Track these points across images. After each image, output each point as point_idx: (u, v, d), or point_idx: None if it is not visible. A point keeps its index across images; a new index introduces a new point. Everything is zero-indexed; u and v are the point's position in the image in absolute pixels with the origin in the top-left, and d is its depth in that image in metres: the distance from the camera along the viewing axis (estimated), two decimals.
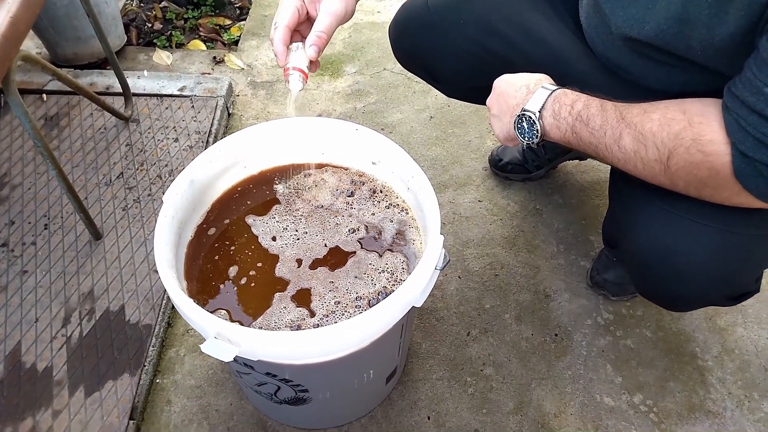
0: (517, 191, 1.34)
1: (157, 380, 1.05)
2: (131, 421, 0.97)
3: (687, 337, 1.12)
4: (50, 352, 1.04)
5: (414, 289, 0.73)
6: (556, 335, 1.12)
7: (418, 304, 0.75)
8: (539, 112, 0.75)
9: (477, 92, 1.08)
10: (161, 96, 1.50)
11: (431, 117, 1.52)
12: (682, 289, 0.74)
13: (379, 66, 1.66)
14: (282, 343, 0.68)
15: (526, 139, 0.78)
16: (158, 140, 1.39)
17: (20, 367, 1.02)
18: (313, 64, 0.82)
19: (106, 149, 1.37)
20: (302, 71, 0.80)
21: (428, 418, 1.01)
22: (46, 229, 1.22)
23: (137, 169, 1.33)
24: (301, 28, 0.83)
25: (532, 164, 1.32)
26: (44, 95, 1.47)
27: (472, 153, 1.43)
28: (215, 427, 1.00)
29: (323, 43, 0.79)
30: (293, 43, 0.81)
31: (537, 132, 0.76)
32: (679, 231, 0.71)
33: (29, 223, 1.22)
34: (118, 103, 1.47)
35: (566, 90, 0.74)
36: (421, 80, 1.16)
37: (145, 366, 1.03)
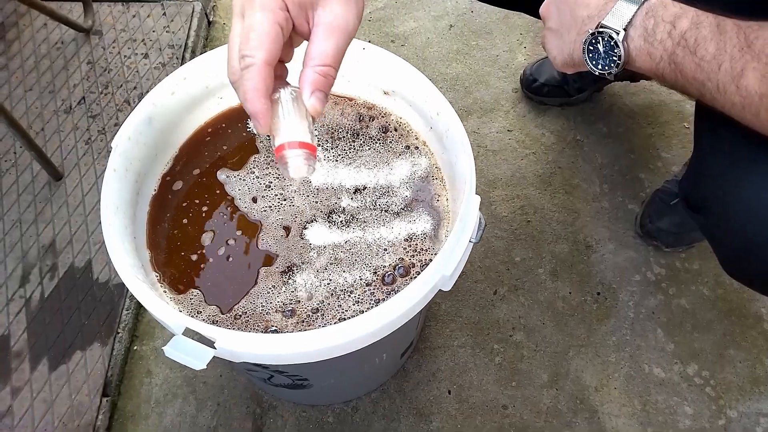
0: (554, 119, 1.13)
1: (135, 347, 0.90)
2: (105, 399, 0.83)
3: (751, 295, 0.95)
4: (6, 317, 0.89)
5: (443, 270, 0.56)
6: (598, 294, 0.95)
7: (447, 288, 0.58)
8: (624, 30, 0.53)
9: None
10: (127, 1, 1.25)
11: (451, 26, 1.27)
12: None
13: None
14: (272, 347, 0.52)
15: (600, 67, 0.56)
16: (125, 57, 1.16)
17: None
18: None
19: (65, 68, 1.15)
20: (308, 146, 0.47)
21: (449, 392, 0.87)
22: None
23: (101, 93, 1.12)
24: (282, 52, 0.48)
25: (572, 86, 1.10)
26: None
27: (499, 71, 1.20)
28: (203, 402, 0.86)
29: (331, 83, 0.47)
30: (279, 91, 0.47)
31: (618, 58, 0.54)
32: None
33: None
34: (77, 10, 1.23)
35: None
36: None
37: (118, 333, 0.88)
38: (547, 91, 1.11)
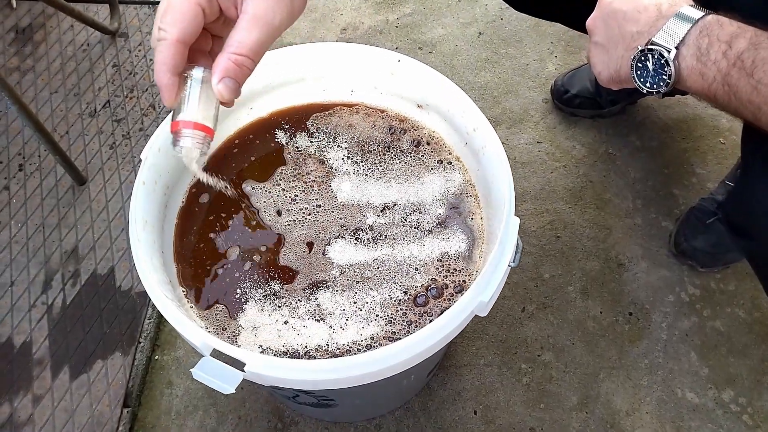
0: (585, 131, 1.10)
1: (156, 356, 0.89)
2: (125, 410, 0.82)
3: None
4: (29, 323, 0.88)
5: (482, 296, 0.54)
6: (630, 314, 0.92)
7: (484, 313, 0.56)
8: (676, 48, 0.51)
9: (558, 3, 0.81)
10: (153, 3, 1.24)
11: (480, 33, 1.25)
12: None
13: None
14: (302, 374, 0.50)
15: (648, 85, 0.54)
16: (150, 60, 1.15)
17: None
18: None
19: (90, 71, 1.15)
20: (203, 128, 0.47)
21: (475, 412, 0.85)
22: (20, 170, 1.02)
23: (126, 97, 1.11)
24: (213, 27, 0.49)
25: (605, 98, 1.07)
26: (14, 1, 1.23)
27: (529, 80, 1.17)
28: (224, 415, 0.85)
29: (246, 73, 0.46)
30: (193, 69, 0.47)
31: (668, 77, 0.52)
32: None
33: (0, 162, 1.03)
34: (103, 12, 1.22)
35: (720, 18, 0.50)
36: None
37: (140, 342, 0.87)
38: (579, 102, 1.09)
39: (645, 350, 0.90)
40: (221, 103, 0.48)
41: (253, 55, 0.46)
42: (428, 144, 0.72)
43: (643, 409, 0.85)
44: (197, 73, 0.47)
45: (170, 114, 0.60)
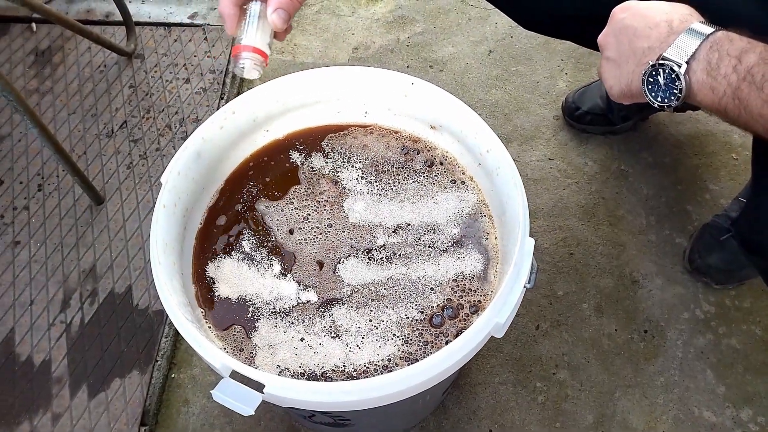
0: (597, 147, 1.11)
1: (173, 375, 0.90)
2: (143, 428, 0.83)
3: None
4: (48, 342, 0.89)
5: (498, 317, 0.54)
6: (645, 332, 0.92)
7: (500, 334, 0.56)
8: (687, 63, 0.51)
9: (568, 23, 0.82)
10: (169, 25, 1.26)
11: (490, 51, 1.26)
12: None
13: None
14: (321, 396, 0.50)
15: (659, 99, 0.55)
16: (166, 81, 1.18)
17: (14, 360, 0.88)
18: (281, 33, 0.59)
19: (107, 92, 1.17)
20: (260, 52, 0.57)
21: (490, 431, 0.85)
22: (40, 190, 1.04)
23: (143, 117, 1.13)
24: None
25: (617, 114, 1.07)
26: (34, 24, 1.25)
27: (540, 98, 1.18)
28: None
29: (296, 6, 0.56)
30: (252, 3, 0.57)
31: (679, 92, 0.52)
32: None
33: (20, 183, 1.05)
34: (119, 34, 1.25)
35: (730, 34, 0.50)
36: (478, 3, 0.90)
37: (157, 361, 0.88)
38: (590, 119, 1.09)
39: (661, 368, 0.89)
40: (275, 33, 0.58)
41: None
42: (441, 164, 0.73)
43: (659, 428, 0.85)
44: (255, 5, 0.57)
45: (190, 138, 0.62)
